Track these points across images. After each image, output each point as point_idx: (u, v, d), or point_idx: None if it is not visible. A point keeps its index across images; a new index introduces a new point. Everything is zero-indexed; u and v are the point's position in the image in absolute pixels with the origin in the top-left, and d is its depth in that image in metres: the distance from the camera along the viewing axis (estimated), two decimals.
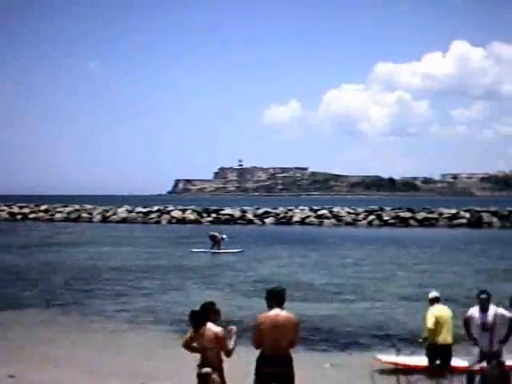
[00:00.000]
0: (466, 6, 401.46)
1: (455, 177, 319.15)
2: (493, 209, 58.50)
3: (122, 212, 62.60)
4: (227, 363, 6.99)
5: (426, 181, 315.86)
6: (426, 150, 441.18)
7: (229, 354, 6.92)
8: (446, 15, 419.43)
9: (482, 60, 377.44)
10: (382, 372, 10.64)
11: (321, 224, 57.24)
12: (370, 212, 59.50)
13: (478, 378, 7.92)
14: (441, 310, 9.59)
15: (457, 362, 9.57)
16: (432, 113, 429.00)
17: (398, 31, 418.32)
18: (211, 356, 6.91)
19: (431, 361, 9.53)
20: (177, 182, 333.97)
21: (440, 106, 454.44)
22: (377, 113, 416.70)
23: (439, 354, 9.43)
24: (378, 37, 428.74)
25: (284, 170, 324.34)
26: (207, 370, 6.90)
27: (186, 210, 62.26)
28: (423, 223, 55.60)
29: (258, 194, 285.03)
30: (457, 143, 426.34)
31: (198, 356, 6.99)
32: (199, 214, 60.76)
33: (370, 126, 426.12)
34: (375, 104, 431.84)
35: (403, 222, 55.88)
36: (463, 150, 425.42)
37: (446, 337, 9.37)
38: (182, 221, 59.09)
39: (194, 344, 7.14)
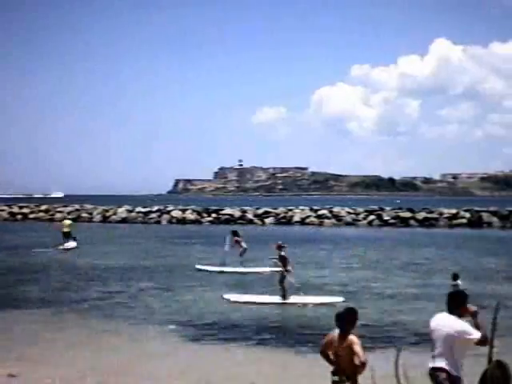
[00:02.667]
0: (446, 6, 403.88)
1: (455, 177, 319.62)
2: (493, 209, 58.48)
3: (122, 212, 62.61)
4: None
5: (426, 181, 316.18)
6: (417, 150, 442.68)
7: (363, 364, 6.73)
8: (426, 16, 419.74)
9: (462, 59, 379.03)
10: (383, 372, 10.62)
11: (321, 224, 57.24)
12: (370, 212, 59.48)
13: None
14: None
15: None
16: (421, 113, 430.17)
17: (377, 32, 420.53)
18: (344, 364, 6.80)
19: None
20: (177, 181, 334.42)
21: (428, 106, 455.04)
22: (366, 113, 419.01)
23: None
24: (362, 38, 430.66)
25: (284, 170, 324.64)
26: (342, 378, 6.80)
27: (186, 209, 62.30)
28: (423, 223, 55.60)
29: (258, 194, 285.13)
30: (448, 143, 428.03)
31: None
32: (199, 213, 60.80)
33: (359, 126, 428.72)
34: (363, 104, 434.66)
35: (403, 222, 55.88)
36: (455, 150, 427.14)
37: None
38: (182, 221, 59.13)
39: (329, 352, 7.02)
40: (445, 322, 6.48)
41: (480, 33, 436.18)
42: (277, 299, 17.85)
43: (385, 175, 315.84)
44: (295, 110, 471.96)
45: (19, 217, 64.62)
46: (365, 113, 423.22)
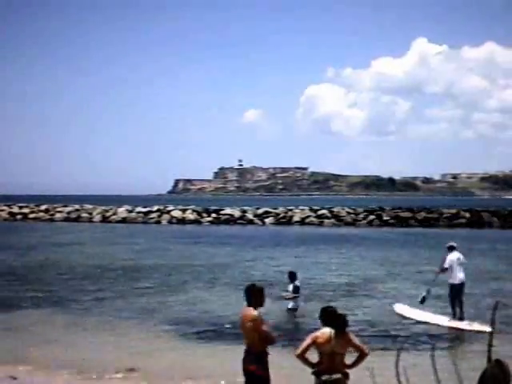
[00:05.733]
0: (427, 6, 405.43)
1: (455, 177, 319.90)
2: (493, 209, 58.47)
3: (122, 212, 62.60)
4: None
5: (426, 181, 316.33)
6: (405, 150, 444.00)
7: (366, 355, 6.95)
8: (408, 16, 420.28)
9: (443, 58, 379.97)
10: (383, 371, 10.64)
11: (321, 224, 57.23)
12: (370, 212, 59.51)
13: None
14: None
15: None
16: (409, 113, 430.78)
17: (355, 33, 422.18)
18: (340, 361, 6.83)
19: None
20: (177, 181, 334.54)
21: (414, 106, 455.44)
22: (354, 113, 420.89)
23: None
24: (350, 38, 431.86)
25: (284, 169, 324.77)
26: (338, 376, 6.80)
27: (186, 209, 62.31)
28: (423, 223, 55.59)
29: (258, 193, 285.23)
30: (437, 142, 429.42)
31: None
32: (199, 213, 60.81)
33: (348, 127, 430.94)
34: (351, 105, 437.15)
35: (403, 222, 55.86)
36: (446, 150, 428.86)
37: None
38: (182, 221, 59.14)
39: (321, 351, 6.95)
40: None
41: (458, 34, 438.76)
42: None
43: (384, 175, 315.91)
44: (284, 110, 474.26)
45: (19, 217, 64.63)
46: (354, 113, 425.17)
